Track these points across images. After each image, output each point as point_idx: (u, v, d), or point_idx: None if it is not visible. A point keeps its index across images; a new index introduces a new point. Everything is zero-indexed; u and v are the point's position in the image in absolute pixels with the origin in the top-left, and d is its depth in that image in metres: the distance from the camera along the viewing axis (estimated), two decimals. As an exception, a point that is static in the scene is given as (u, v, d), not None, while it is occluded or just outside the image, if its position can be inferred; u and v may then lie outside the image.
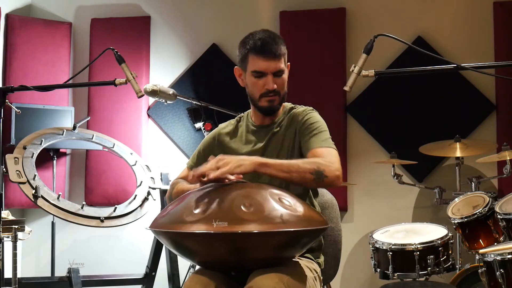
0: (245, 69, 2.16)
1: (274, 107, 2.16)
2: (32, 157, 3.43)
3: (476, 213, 3.08)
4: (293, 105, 2.27)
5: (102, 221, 3.42)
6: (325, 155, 2.00)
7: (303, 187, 2.10)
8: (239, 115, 2.33)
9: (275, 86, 2.11)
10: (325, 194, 2.38)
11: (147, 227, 1.84)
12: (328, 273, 2.31)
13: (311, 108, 2.22)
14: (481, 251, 2.56)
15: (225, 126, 2.31)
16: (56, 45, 4.24)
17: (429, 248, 3.06)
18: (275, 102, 2.14)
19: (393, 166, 3.65)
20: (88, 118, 4.12)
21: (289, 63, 2.20)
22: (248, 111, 2.30)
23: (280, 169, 1.91)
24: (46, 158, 3.95)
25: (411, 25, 4.04)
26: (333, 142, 2.09)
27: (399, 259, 3.09)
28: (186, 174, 2.25)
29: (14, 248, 2.84)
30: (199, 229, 1.66)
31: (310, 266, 2.04)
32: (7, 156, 3.32)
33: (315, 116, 2.17)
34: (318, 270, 2.11)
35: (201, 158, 2.25)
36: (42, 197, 3.28)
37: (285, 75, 2.16)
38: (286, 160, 1.98)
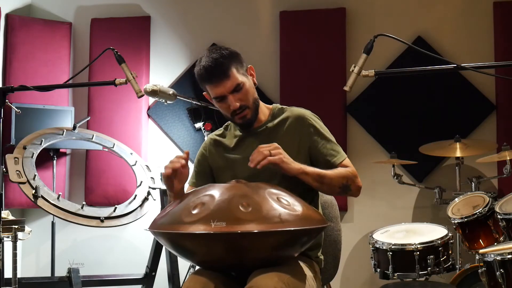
0: (209, 95, 2.16)
1: (249, 121, 2.15)
2: (32, 157, 3.43)
3: (476, 213, 3.08)
4: (282, 106, 2.25)
5: (102, 221, 3.42)
6: (352, 169, 2.08)
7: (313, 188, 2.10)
8: (226, 123, 2.32)
9: (238, 103, 2.09)
10: (324, 194, 2.37)
11: (146, 228, 1.84)
12: (328, 273, 2.32)
13: (310, 111, 2.22)
14: (481, 251, 2.56)
15: (214, 137, 2.29)
16: (56, 45, 4.24)
17: (429, 248, 3.06)
18: (248, 115, 2.13)
19: (393, 166, 3.65)
20: (88, 118, 4.11)
21: (250, 65, 2.17)
22: None
23: (316, 179, 2.00)
24: (46, 158, 3.94)
25: (411, 25, 4.04)
26: None
27: (399, 259, 3.09)
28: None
29: (14, 248, 2.84)
30: (197, 229, 1.66)
31: (309, 265, 2.04)
32: (7, 156, 3.32)
33: (321, 123, 2.20)
34: (317, 269, 2.11)
35: (198, 174, 2.25)
36: (42, 197, 3.28)
37: (247, 85, 2.11)
38: (321, 170, 2.03)
